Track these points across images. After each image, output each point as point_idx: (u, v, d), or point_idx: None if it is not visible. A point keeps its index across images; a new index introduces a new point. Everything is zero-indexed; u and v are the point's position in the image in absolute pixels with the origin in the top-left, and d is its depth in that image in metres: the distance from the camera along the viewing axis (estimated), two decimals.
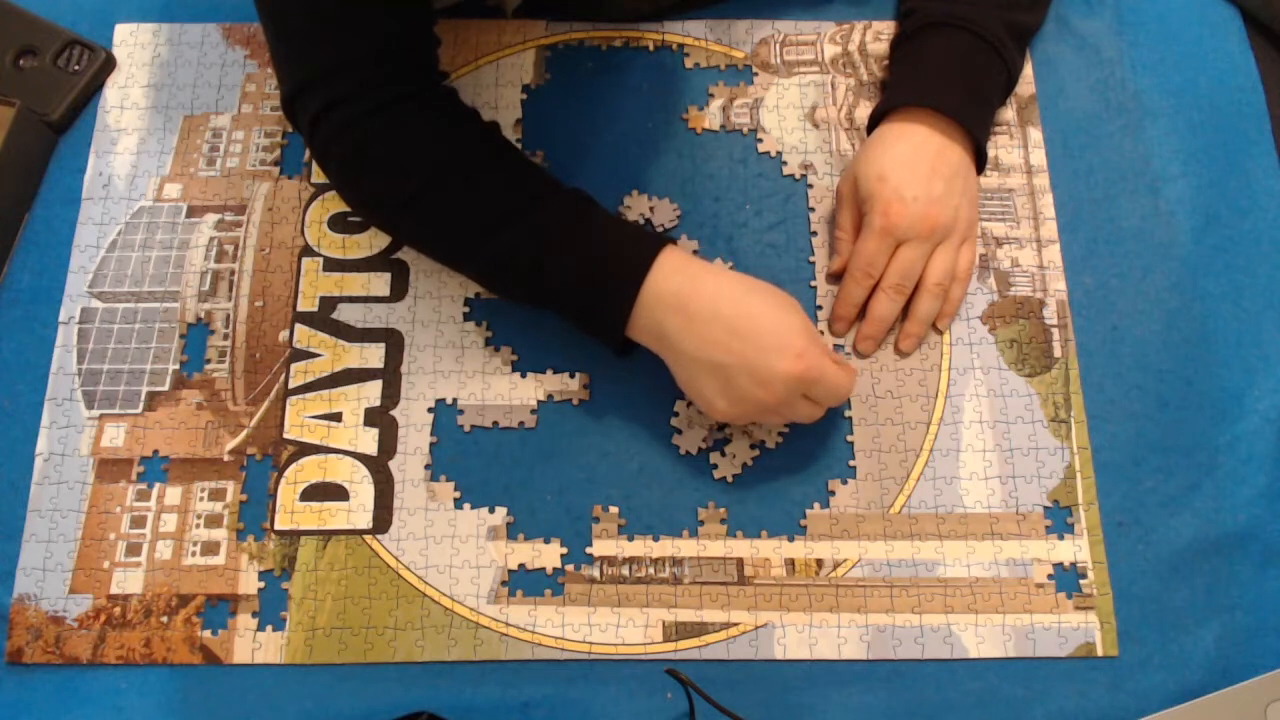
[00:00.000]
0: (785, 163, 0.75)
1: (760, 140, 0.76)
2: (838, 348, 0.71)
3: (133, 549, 0.66)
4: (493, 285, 0.70)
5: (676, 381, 0.64)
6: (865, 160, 0.70)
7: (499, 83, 0.77)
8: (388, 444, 0.68)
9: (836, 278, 0.72)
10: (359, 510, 0.67)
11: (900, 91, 0.72)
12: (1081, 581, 0.65)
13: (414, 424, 0.69)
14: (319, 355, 0.70)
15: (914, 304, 0.69)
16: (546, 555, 0.66)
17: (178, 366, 0.70)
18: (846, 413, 0.69)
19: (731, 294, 0.61)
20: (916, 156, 0.68)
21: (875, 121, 0.73)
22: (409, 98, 0.65)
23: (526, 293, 0.67)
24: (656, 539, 0.66)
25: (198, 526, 0.66)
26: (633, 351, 0.66)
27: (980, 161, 0.72)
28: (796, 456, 0.68)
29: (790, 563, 0.66)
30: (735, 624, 0.64)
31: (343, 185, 0.70)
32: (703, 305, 0.61)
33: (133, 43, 0.79)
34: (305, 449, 0.68)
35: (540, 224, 0.63)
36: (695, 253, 0.72)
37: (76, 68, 0.76)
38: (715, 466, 0.68)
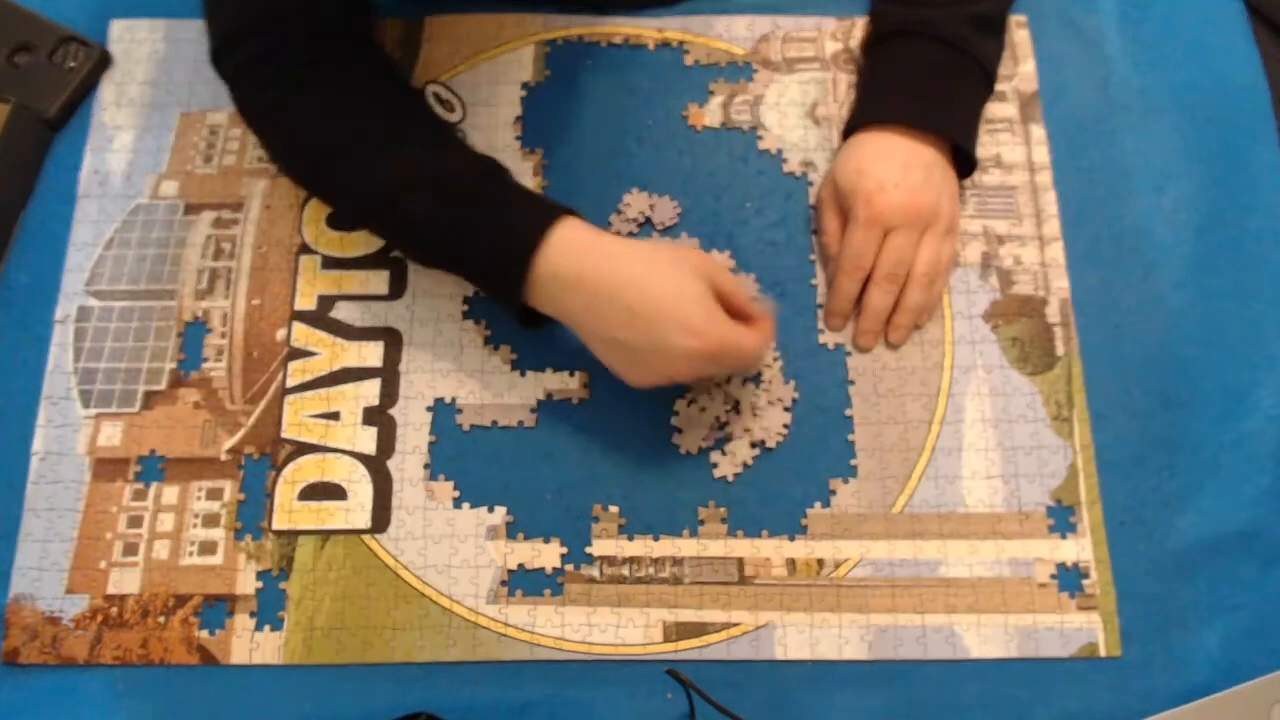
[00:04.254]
0: (786, 160, 0.75)
1: (761, 138, 0.76)
2: (838, 345, 0.70)
3: (130, 549, 0.66)
4: (403, 249, 0.71)
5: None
6: (840, 161, 0.71)
7: (498, 80, 0.77)
8: (386, 443, 0.68)
9: None
10: (357, 510, 0.66)
11: (865, 111, 0.72)
12: (1084, 581, 0.65)
13: (412, 423, 0.68)
14: (317, 354, 0.70)
15: (902, 294, 0.69)
16: (546, 555, 0.65)
17: (175, 365, 0.70)
18: (848, 411, 0.69)
19: (629, 272, 0.60)
20: (890, 151, 0.69)
21: (845, 136, 0.73)
22: (331, 57, 0.65)
23: (435, 260, 0.68)
24: (656, 539, 0.66)
25: (195, 526, 0.66)
26: (543, 325, 0.65)
27: (965, 158, 0.71)
28: (797, 456, 0.68)
29: (791, 562, 0.65)
30: (736, 624, 0.64)
31: (262, 141, 0.71)
32: (601, 284, 0.60)
33: (129, 39, 0.78)
34: (303, 448, 0.68)
35: (447, 191, 0.63)
36: None
37: (72, 64, 0.76)
38: (715, 466, 0.67)
